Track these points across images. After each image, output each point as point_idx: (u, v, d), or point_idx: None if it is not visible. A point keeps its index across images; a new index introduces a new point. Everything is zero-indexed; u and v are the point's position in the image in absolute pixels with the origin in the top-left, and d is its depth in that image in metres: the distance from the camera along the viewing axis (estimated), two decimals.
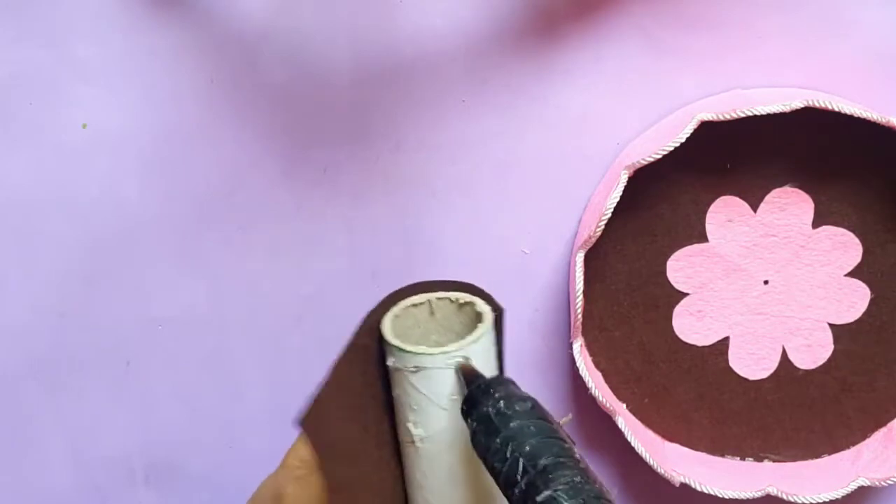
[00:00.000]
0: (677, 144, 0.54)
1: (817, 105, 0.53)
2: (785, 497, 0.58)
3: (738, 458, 0.62)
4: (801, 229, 0.59)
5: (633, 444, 0.58)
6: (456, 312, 0.46)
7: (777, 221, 0.59)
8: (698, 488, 0.58)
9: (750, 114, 0.54)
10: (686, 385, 0.61)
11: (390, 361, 0.44)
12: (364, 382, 0.45)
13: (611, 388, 0.61)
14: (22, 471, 0.64)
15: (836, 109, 0.54)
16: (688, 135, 0.54)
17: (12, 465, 0.64)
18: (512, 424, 0.40)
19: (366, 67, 0.58)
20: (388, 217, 0.60)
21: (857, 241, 0.59)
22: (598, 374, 0.60)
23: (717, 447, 0.62)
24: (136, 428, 0.64)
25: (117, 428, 0.63)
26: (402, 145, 0.60)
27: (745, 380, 0.61)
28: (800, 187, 0.58)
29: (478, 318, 0.45)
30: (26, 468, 0.64)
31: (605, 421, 0.61)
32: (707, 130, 0.55)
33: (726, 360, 0.61)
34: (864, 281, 0.60)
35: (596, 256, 0.59)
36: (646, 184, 0.57)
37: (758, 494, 0.58)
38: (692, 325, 0.60)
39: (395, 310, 0.45)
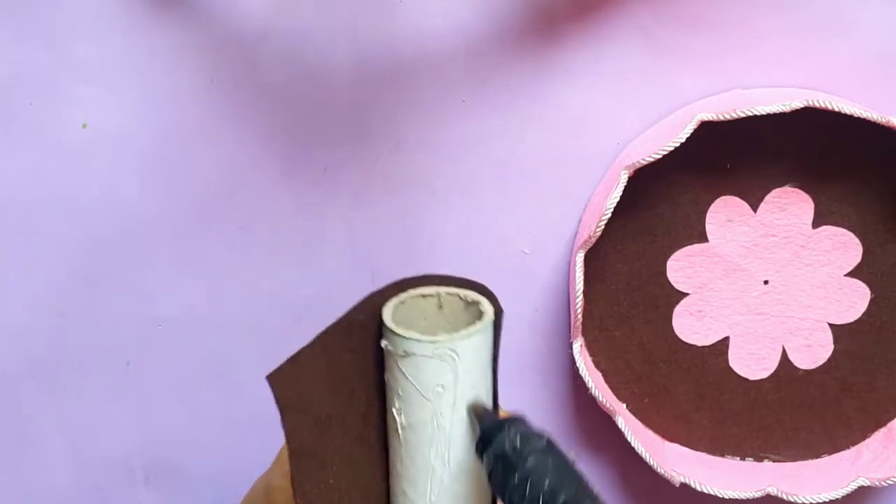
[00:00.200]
0: (677, 144, 0.54)
1: (817, 105, 0.53)
2: (785, 497, 0.58)
3: (738, 458, 0.62)
4: (801, 229, 0.59)
5: (633, 444, 0.58)
6: (463, 310, 0.46)
7: (777, 221, 0.59)
8: (698, 488, 0.58)
9: (750, 114, 0.54)
10: (686, 385, 0.61)
11: (383, 343, 0.44)
12: (355, 359, 0.45)
13: (611, 388, 0.61)
14: (22, 471, 0.64)
15: (836, 109, 0.54)
16: (688, 135, 0.54)
17: (12, 465, 0.64)
18: (529, 461, 0.40)
19: (366, 67, 0.58)
20: (388, 217, 0.61)
21: (857, 241, 0.59)
22: (598, 374, 0.60)
23: (717, 447, 0.62)
24: (136, 428, 0.64)
25: (117, 428, 0.63)
26: (402, 145, 0.60)
27: (745, 380, 0.61)
28: (800, 187, 0.58)
29: (480, 317, 0.45)
30: (26, 468, 0.64)
31: (605, 421, 0.61)
32: (707, 130, 0.55)
33: (726, 360, 0.61)
34: (864, 281, 0.60)
35: (596, 256, 0.59)
36: (646, 184, 0.57)
37: (758, 494, 0.58)
38: (692, 325, 0.60)
39: (403, 296, 0.45)
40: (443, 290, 0.46)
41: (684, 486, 0.58)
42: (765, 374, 0.61)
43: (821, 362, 0.61)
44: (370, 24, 0.58)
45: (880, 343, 0.61)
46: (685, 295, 0.60)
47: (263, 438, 0.64)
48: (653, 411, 0.61)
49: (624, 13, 0.57)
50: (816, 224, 0.59)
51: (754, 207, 0.59)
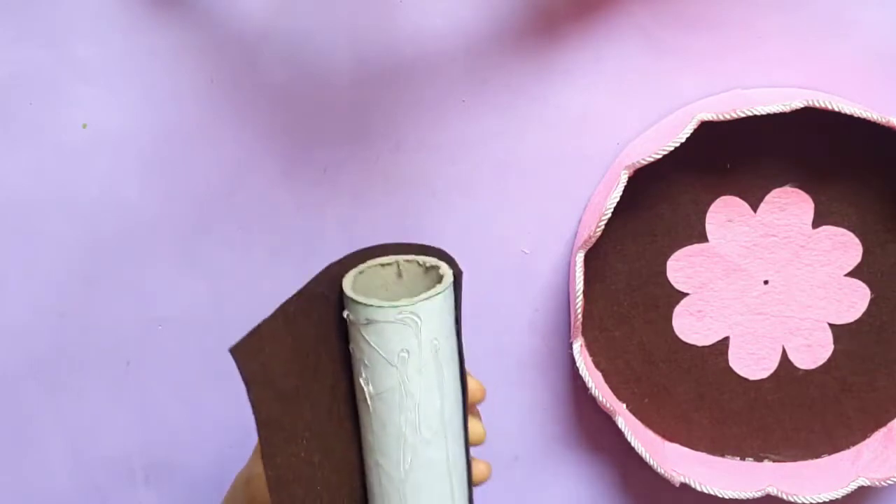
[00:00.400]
0: (677, 144, 0.54)
1: (817, 105, 0.53)
2: (785, 497, 0.58)
3: (738, 458, 0.62)
4: (801, 229, 0.59)
5: (633, 444, 0.58)
6: (423, 276, 0.46)
7: (777, 221, 0.59)
8: (698, 488, 0.58)
9: (750, 114, 0.54)
10: (686, 385, 0.61)
11: (345, 314, 0.44)
12: (318, 333, 0.45)
13: (611, 388, 0.61)
14: (22, 471, 0.64)
15: (836, 109, 0.54)
16: (688, 135, 0.54)
17: (12, 465, 0.64)
18: None
19: (366, 67, 0.58)
20: (388, 217, 0.61)
21: (857, 241, 0.59)
22: (598, 374, 0.60)
23: (717, 447, 0.62)
24: (136, 428, 0.64)
25: (117, 428, 0.63)
26: (402, 145, 0.60)
27: (745, 380, 0.61)
28: (800, 187, 0.58)
29: (440, 281, 0.45)
30: (26, 468, 0.64)
31: (605, 421, 0.61)
32: (707, 130, 0.55)
33: (726, 360, 0.61)
34: (864, 281, 0.60)
35: (596, 256, 0.59)
36: (646, 184, 0.57)
37: (758, 494, 0.58)
38: (692, 325, 0.60)
39: (362, 266, 0.45)
40: (401, 257, 0.46)
41: (684, 486, 0.58)
42: (765, 374, 0.61)
43: (821, 362, 0.61)
44: (370, 24, 0.58)
45: (880, 343, 0.61)
46: (685, 295, 0.60)
47: None
48: (653, 411, 0.61)
49: (624, 13, 0.57)
50: (816, 224, 0.59)
51: (754, 207, 0.59)
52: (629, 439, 0.58)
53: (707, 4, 0.57)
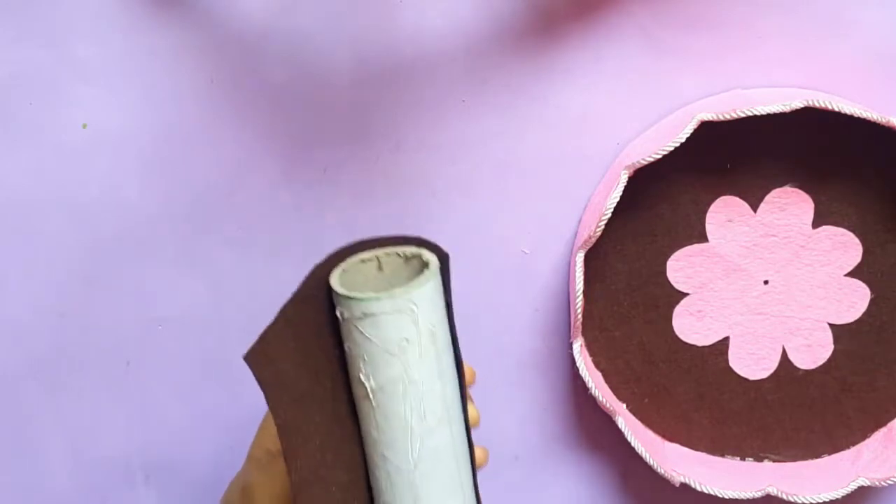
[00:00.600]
0: (677, 144, 0.54)
1: (817, 105, 0.53)
2: (785, 497, 0.58)
3: (738, 458, 0.62)
4: (801, 229, 0.59)
5: (633, 444, 0.58)
6: (403, 266, 0.46)
7: (777, 221, 0.59)
8: (698, 488, 0.58)
9: (750, 114, 0.54)
10: (686, 385, 0.61)
11: (339, 312, 0.44)
12: (315, 334, 0.45)
13: (611, 388, 0.61)
14: (22, 471, 0.64)
15: (836, 109, 0.54)
16: (688, 135, 0.54)
17: (12, 465, 0.64)
18: None
19: (366, 67, 0.58)
20: (388, 217, 0.61)
21: (857, 241, 0.59)
22: (598, 374, 0.60)
23: (717, 447, 0.62)
24: (136, 428, 0.64)
25: (117, 428, 0.63)
26: (402, 145, 0.60)
27: (745, 380, 0.61)
28: (800, 187, 0.58)
29: (425, 267, 0.45)
30: (26, 468, 0.64)
31: (605, 421, 0.61)
32: (707, 130, 0.55)
33: (726, 360, 0.61)
34: (864, 281, 0.60)
35: (596, 256, 0.59)
36: (646, 184, 0.57)
37: (758, 494, 0.58)
38: (692, 325, 0.60)
39: (344, 265, 0.45)
40: (380, 251, 0.46)
41: (684, 486, 0.58)
42: (765, 374, 0.61)
43: (821, 362, 0.61)
44: (370, 24, 0.58)
45: (880, 343, 0.61)
46: (685, 295, 0.60)
47: None
48: (653, 411, 0.61)
49: (624, 13, 0.57)
50: (816, 224, 0.59)
51: (754, 207, 0.59)
52: (629, 439, 0.58)
53: (707, 4, 0.57)
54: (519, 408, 0.63)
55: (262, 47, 0.58)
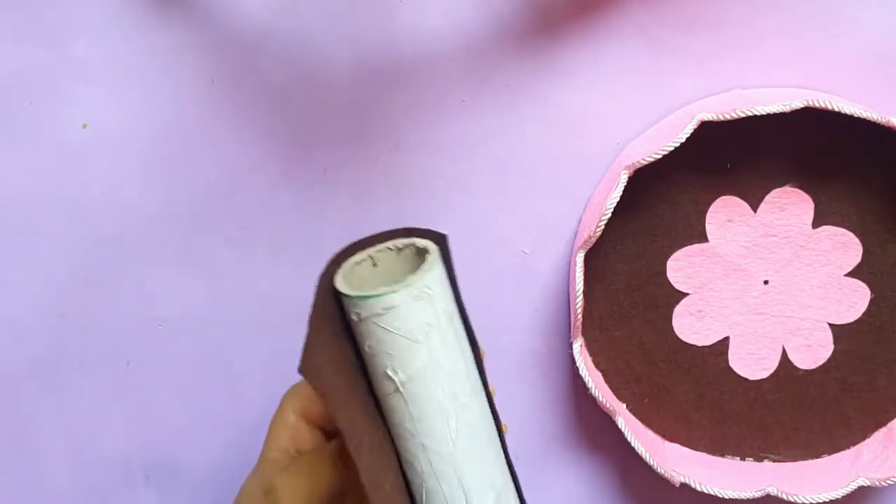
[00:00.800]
0: (677, 144, 0.54)
1: (817, 105, 0.53)
2: (785, 497, 0.58)
3: (738, 458, 0.62)
4: (801, 229, 0.59)
5: (633, 444, 0.58)
6: (397, 258, 0.46)
7: (777, 221, 0.59)
8: (698, 488, 0.58)
9: (750, 114, 0.54)
10: (686, 385, 0.61)
11: (353, 315, 0.44)
12: (336, 341, 0.45)
13: (611, 388, 0.61)
14: (22, 471, 0.64)
15: (836, 109, 0.54)
16: (688, 135, 0.54)
17: (12, 465, 0.64)
18: None
19: (366, 67, 0.58)
20: (388, 217, 0.61)
21: (857, 241, 0.59)
22: (598, 374, 0.60)
23: (717, 447, 0.62)
24: (136, 428, 0.64)
25: (117, 428, 0.63)
26: (402, 145, 0.60)
27: (745, 380, 0.61)
28: (800, 187, 0.58)
29: (420, 253, 0.45)
30: (26, 468, 0.64)
31: (605, 421, 0.61)
32: (707, 130, 0.55)
33: (726, 360, 0.61)
34: (864, 281, 0.60)
35: (596, 256, 0.59)
36: (646, 184, 0.57)
37: (758, 494, 0.58)
38: (692, 325, 0.60)
39: (342, 271, 0.46)
40: (371, 250, 0.47)
41: (684, 486, 0.58)
42: (765, 374, 0.61)
43: (821, 362, 0.61)
44: (370, 24, 0.58)
45: (880, 343, 0.61)
46: (685, 295, 0.60)
47: (263, 438, 0.64)
48: (653, 411, 0.61)
49: (624, 13, 0.58)
50: (816, 224, 0.59)
51: (754, 207, 0.59)
52: (629, 439, 0.58)
53: (706, 4, 0.57)
54: (519, 408, 0.63)
55: (262, 47, 0.58)
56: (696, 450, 0.62)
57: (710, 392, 0.61)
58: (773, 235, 0.59)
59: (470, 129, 0.59)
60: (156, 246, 0.61)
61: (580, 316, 0.57)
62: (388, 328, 0.43)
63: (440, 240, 0.46)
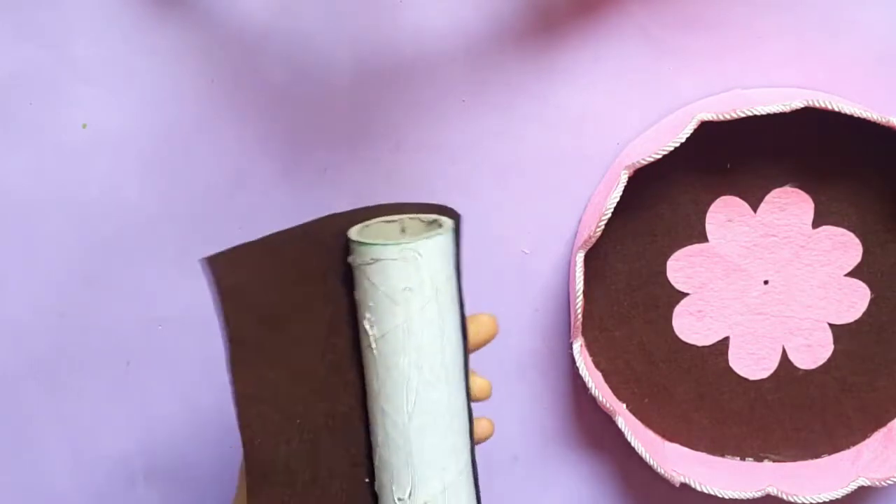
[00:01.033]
0: (677, 144, 0.54)
1: (817, 105, 0.53)
2: (785, 497, 0.58)
3: (738, 458, 0.62)
4: (801, 229, 0.59)
5: (633, 444, 0.58)
6: (425, 229, 0.47)
7: (777, 221, 0.59)
8: (698, 488, 0.58)
9: (750, 114, 0.54)
10: (686, 385, 0.61)
11: (350, 259, 0.45)
12: (314, 275, 0.46)
13: (611, 388, 0.61)
14: (22, 471, 0.64)
15: (836, 109, 0.54)
16: (688, 135, 0.54)
17: (12, 465, 0.64)
18: None
19: (366, 67, 0.58)
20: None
21: (857, 241, 0.59)
22: (598, 374, 0.60)
23: (717, 447, 0.62)
24: (136, 428, 0.64)
25: (117, 428, 0.63)
26: (402, 145, 0.60)
27: (745, 380, 0.61)
28: (800, 187, 0.58)
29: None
30: (26, 468, 0.64)
31: (605, 421, 0.61)
32: (707, 130, 0.55)
33: (726, 360, 0.61)
34: (864, 281, 0.60)
35: (596, 256, 0.59)
36: (646, 184, 0.57)
37: (758, 494, 0.58)
38: (692, 325, 0.60)
39: (368, 222, 0.47)
40: (405, 216, 0.47)
41: (684, 486, 0.58)
42: (765, 374, 0.61)
43: (821, 362, 0.61)
44: (370, 24, 0.58)
45: (880, 343, 0.61)
46: (685, 295, 0.60)
47: None
48: (653, 411, 0.61)
49: (624, 13, 0.58)
50: (816, 224, 0.59)
51: (754, 207, 0.59)
52: (629, 439, 0.58)
53: (706, 4, 0.57)
54: (519, 408, 0.63)
55: (262, 47, 0.58)
56: (696, 450, 0.62)
57: (710, 392, 0.61)
58: (773, 235, 0.59)
59: (470, 129, 0.59)
60: (156, 246, 0.61)
61: (580, 316, 0.57)
62: (372, 280, 0.44)
63: (456, 220, 0.46)
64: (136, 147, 0.60)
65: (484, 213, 0.61)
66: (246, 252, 0.44)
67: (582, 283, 0.56)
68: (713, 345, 0.61)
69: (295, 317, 0.45)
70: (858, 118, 0.54)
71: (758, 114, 0.54)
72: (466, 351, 0.47)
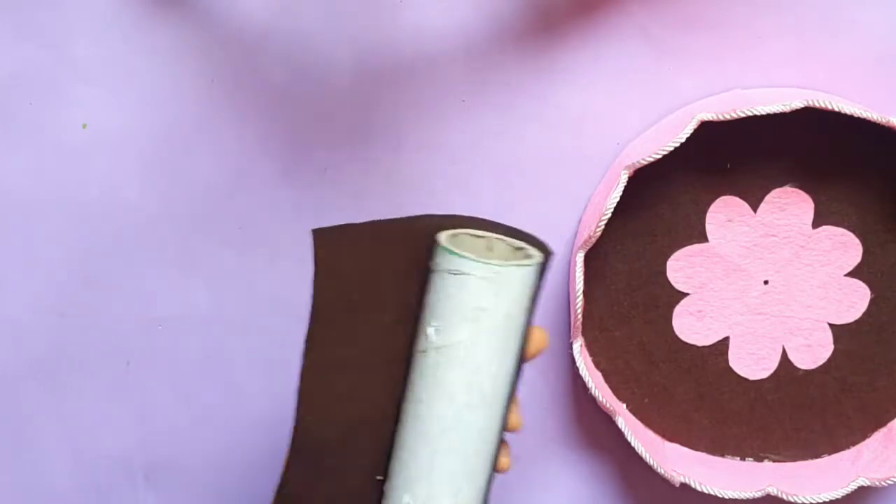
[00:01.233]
0: (677, 144, 0.54)
1: (817, 105, 0.53)
2: (785, 497, 0.58)
3: (738, 458, 0.62)
4: (801, 229, 0.59)
5: (633, 444, 0.58)
6: (510, 255, 0.47)
7: (777, 221, 0.59)
8: (698, 488, 0.58)
9: (750, 114, 0.54)
10: (686, 385, 0.61)
11: (433, 262, 0.45)
12: (398, 269, 0.46)
13: (611, 388, 0.61)
14: (22, 471, 0.64)
15: (836, 109, 0.54)
16: (688, 135, 0.54)
17: (12, 465, 0.64)
18: None
19: (366, 67, 0.58)
20: (388, 217, 0.60)
21: (857, 241, 0.59)
22: (598, 374, 0.60)
23: (717, 447, 0.62)
24: (136, 428, 0.64)
25: (117, 428, 0.63)
26: (402, 145, 0.60)
27: (745, 380, 0.61)
28: (800, 187, 0.58)
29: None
30: (26, 468, 0.64)
31: (605, 421, 0.61)
32: (707, 130, 0.55)
33: (726, 360, 0.61)
34: (864, 281, 0.60)
35: (596, 256, 0.59)
36: (646, 184, 0.57)
37: (758, 494, 0.58)
38: (692, 325, 0.60)
39: (457, 231, 0.47)
40: (493, 235, 0.48)
41: (684, 486, 0.58)
42: (765, 374, 0.61)
43: (821, 362, 0.61)
44: (370, 24, 0.58)
45: (880, 343, 0.61)
46: (685, 295, 0.60)
47: (263, 438, 0.64)
48: (653, 411, 0.61)
49: (624, 13, 0.58)
50: (816, 224, 0.59)
51: (754, 207, 0.59)
52: (629, 439, 0.58)
53: (706, 4, 0.57)
54: (519, 407, 0.63)
55: (262, 47, 0.58)
56: (696, 450, 0.62)
57: (710, 392, 0.61)
58: (773, 235, 0.59)
59: (470, 129, 0.59)
60: (156, 246, 0.61)
61: (580, 316, 0.57)
62: (449, 290, 0.44)
63: (546, 257, 0.46)
64: (136, 147, 0.60)
65: (484, 213, 0.60)
66: (349, 232, 0.44)
67: (582, 283, 0.56)
68: (713, 345, 0.61)
69: (372, 304, 0.46)
70: (858, 118, 0.54)
71: (758, 114, 0.54)
72: (517, 382, 0.47)
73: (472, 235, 0.47)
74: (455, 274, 0.44)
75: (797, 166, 0.58)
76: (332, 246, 0.44)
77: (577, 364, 0.58)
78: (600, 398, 0.58)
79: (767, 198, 0.59)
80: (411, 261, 0.46)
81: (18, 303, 0.62)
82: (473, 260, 0.44)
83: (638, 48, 0.58)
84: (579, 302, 0.56)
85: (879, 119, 0.54)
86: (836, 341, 0.61)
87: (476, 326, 0.44)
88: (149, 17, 0.58)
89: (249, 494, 0.65)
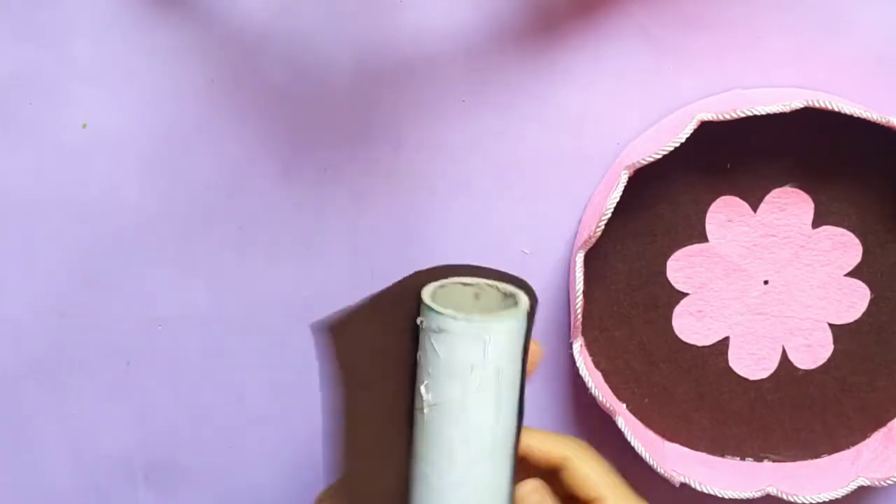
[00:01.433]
0: (677, 144, 0.54)
1: (817, 105, 0.53)
2: (785, 497, 0.58)
3: (738, 458, 0.62)
4: (801, 229, 0.59)
5: (633, 444, 0.58)
6: (499, 301, 0.47)
7: (777, 221, 0.59)
8: (698, 488, 0.58)
9: (750, 114, 0.54)
10: (686, 385, 0.61)
11: (419, 321, 0.45)
12: (394, 333, 0.46)
13: (611, 388, 0.61)
14: (22, 471, 0.64)
15: (836, 109, 0.54)
16: (688, 135, 0.54)
17: (12, 465, 0.64)
18: None
19: (366, 67, 0.58)
20: (388, 217, 0.61)
21: (857, 241, 0.59)
22: (598, 374, 0.60)
23: (717, 447, 0.62)
24: (136, 428, 0.64)
25: (117, 428, 0.63)
26: (403, 145, 0.60)
27: (745, 380, 0.61)
28: (800, 187, 0.58)
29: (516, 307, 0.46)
30: (26, 468, 0.64)
31: (605, 421, 0.61)
32: (707, 130, 0.55)
33: (726, 360, 0.61)
34: (864, 281, 0.60)
35: (596, 256, 0.59)
36: (646, 184, 0.57)
37: (758, 494, 0.58)
38: (692, 325, 0.60)
39: (444, 281, 0.46)
40: (483, 281, 0.47)
41: (684, 486, 0.58)
42: (765, 374, 0.61)
43: (821, 362, 0.61)
44: (370, 24, 0.58)
45: (880, 343, 0.61)
46: (685, 295, 0.60)
47: (263, 438, 0.64)
48: (653, 411, 0.61)
49: (624, 13, 0.57)
50: (816, 224, 0.59)
51: (754, 207, 0.59)
52: (629, 439, 0.58)
53: (706, 4, 0.57)
54: None
55: (262, 47, 0.58)
56: (696, 450, 0.62)
57: (710, 392, 0.61)
58: (773, 235, 0.59)
59: (470, 129, 0.59)
60: (156, 246, 0.61)
61: (580, 316, 0.57)
62: (435, 348, 0.44)
63: (533, 304, 0.46)
64: (136, 147, 0.60)
65: (484, 213, 0.61)
66: (354, 318, 0.44)
67: (582, 283, 0.56)
68: (713, 345, 0.61)
69: (381, 380, 0.46)
70: (858, 118, 0.54)
71: (758, 114, 0.54)
72: (520, 428, 0.46)
73: (460, 284, 0.47)
74: (438, 332, 0.43)
75: (797, 166, 0.58)
76: (342, 341, 0.44)
77: (577, 364, 0.58)
78: (600, 398, 0.58)
79: (767, 198, 0.59)
80: (408, 319, 0.46)
81: (18, 303, 0.62)
82: (454, 318, 0.43)
83: (638, 48, 0.58)
84: (579, 302, 0.56)
85: (879, 119, 0.54)
86: (836, 341, 0.61)
87: (465, 383, 0.43)
88: (149, 17, 0.58)
89: (249, 495, 0.65)
